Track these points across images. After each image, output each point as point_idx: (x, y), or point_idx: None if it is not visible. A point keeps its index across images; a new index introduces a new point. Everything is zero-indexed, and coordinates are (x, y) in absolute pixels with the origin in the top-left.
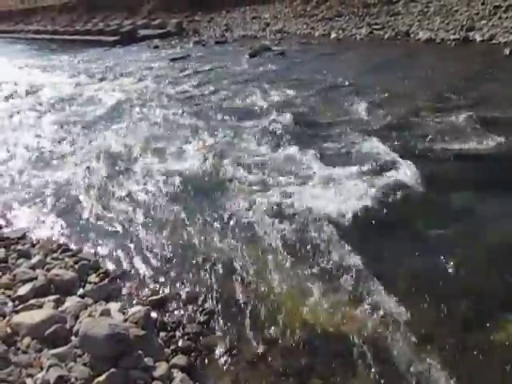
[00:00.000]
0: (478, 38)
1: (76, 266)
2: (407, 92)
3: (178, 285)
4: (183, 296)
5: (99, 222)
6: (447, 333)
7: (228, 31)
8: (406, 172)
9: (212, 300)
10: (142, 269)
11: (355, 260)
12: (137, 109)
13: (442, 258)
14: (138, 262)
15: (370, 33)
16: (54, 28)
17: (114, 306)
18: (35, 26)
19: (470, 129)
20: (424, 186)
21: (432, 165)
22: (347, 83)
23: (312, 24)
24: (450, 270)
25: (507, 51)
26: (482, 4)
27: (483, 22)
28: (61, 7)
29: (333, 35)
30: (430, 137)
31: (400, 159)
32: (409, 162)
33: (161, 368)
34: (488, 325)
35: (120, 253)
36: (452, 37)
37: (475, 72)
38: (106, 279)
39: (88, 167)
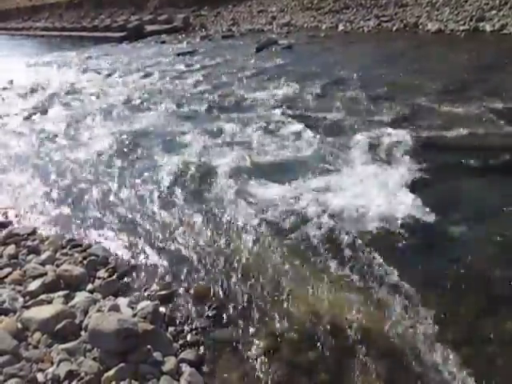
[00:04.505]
0: (489, 29)
1: (85, 262)
2: (417, 84)
3: (186, 280)
4: (191, 291)
5: (108, 218)
6: (461, 326)
7: (235, 25)
8: (417, 163)
9: (220, 295)
10: (151, 264)
11: (366, 254)
12: (142, 104)
13: (455, 249)
14: (146, 257)
15: (378, 25)
16: (62, 25)
17: (122, 301)
18: (43, 23)
19: (481, 119)
20: (435, 177)
21: (443, 156)
22: (355, 76)
23: (319, 17)
24: (464, 261)
25: None
26: None
27: (493, 12)
28: (68, 4)
29: (340, 28)
30: (440, 128)
31: (410, 150)
32: (419, 152)
33: (169, 362)
34: (502, 315)
35: (128, 248)
36: (461, 27)
37: (486, 63)
38: (115, 274)
39: (94, 162)
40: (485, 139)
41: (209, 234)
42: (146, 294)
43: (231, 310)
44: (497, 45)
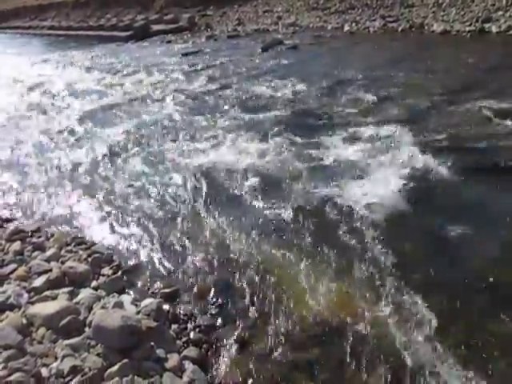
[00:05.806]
0: (495, 30)
1: (89, 259)
2: (423, 85)
3: (189, 277)
4: (195, 289)
5: (113, 216)
6: (462, 326)
7: (240, 25)
8: (423, 163)
9: (223, 293)
10: (155, 262)
11: (369, 253)
12: (147, 103)
13: (459, 249)
14: (150, 255)
15: (383, 25)
16: (69, 24)
17: (126, 299)
18: (50, 21)
19: (487, 120)
20: (440, 176)
21: (449, 156)
22: (361, 76)
23: (325, 17)
24: (467, 262)
25: None
26: None
27: (500, 12)
28: (74, 3)
29: (346, 28)
30: (445, 128)
31: (417, 150)
32: (426, 152)
33: (172, 359)
34: (503, 316)
35: (133, 246)
36: (468, 28)
37: (492, 64)
38: (119, 272)
39: (97, 160)
40: (490, 140)
41: (212, 232)
42: (149, 291)
43: (234, 309)
44: (503, 46)
